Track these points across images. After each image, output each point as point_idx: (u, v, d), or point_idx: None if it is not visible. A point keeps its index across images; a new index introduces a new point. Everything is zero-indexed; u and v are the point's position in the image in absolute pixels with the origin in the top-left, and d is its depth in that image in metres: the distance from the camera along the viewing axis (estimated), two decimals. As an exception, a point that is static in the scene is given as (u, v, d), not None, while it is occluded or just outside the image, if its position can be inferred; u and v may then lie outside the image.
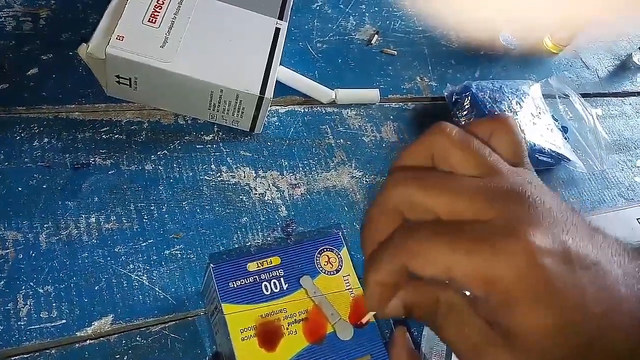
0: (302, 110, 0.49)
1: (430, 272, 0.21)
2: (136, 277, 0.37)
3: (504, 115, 0.26)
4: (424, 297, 0.24)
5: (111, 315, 0.35)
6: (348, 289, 0.35)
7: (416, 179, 0.23)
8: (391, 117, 0.53)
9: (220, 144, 0.45)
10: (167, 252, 0.38)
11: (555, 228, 0.21)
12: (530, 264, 0.19)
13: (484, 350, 0.21)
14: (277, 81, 0.44)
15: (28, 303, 0.34)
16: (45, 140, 0.40)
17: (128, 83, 0.42)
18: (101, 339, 0.34)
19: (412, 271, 0.22)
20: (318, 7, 0.57)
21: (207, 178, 0.43)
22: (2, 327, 0.33)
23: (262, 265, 0.34)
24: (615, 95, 0.68)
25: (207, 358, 0.35)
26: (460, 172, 0.23)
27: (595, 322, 0.20)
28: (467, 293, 0.23)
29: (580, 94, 0.61)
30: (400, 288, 0.24)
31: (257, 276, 0.33)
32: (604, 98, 0.67)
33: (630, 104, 0.68)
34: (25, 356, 0.32)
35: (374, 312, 0.25)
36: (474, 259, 0.20)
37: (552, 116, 0.57)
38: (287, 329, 0.32)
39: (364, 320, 0.26)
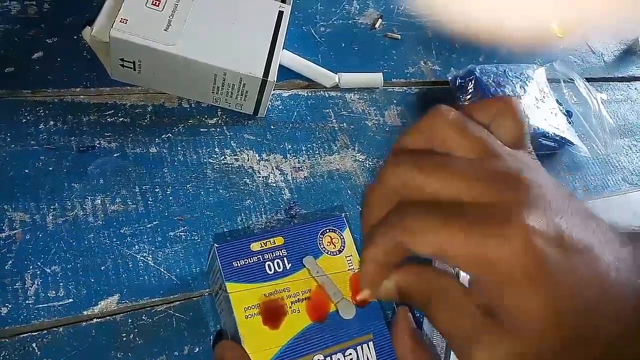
0: (306, 94, 0.49)
1: (425, 249, 0.21)
2: (141, 258, 0.37)
3: (506, 97, 0.26)
4: (418, 282, 0.24)
5: (117, 295, 0.36)
6: (350, 269, 0.35)
7: (414, 161, 0.23)
8: (394, 101, 0.53)
9: (224, 127, 0.45)
10: (171, 233, 0.39)
11: (551, 212, 0.21)
12: (525, 246, 0.20)
13: (478, 338, 0.21)
14: (280, 65, 0.44)
15: (36, 282, 0.35)
16: (51, 123, 0.40)
17: (132, 66, 0.42)
18: (107, 317, 0.35)
19: (406, 248, 0.22)
20: (322, -9, 0.57)
21: (211, 161, 0.43)
22: (11, 306, 0.33)
23: (266, 245, 0.34)
24: (621, 80, 0.67)
25: (211, 337, 0.36)
26: (458, 155, 0.23)
27: (586, 306, 0.20)
28: (463, 276, 0.23)
29: (586, 78, 0.61)
30: (395, 270, 0.24)
31: (260, 256, 0.34)
32: (610, 83, 0.66)
33: (635, 89, 0.67)
34: (33, 334, 0.33)
35: (369, 291, 0.25)
36: (469, 239, 0.20)
37: (557, 100, 0.57)
38: (290, 307, 0.32)
39: (358, 298, 0.26)
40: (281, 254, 0.34)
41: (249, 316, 0.31)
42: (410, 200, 0.23)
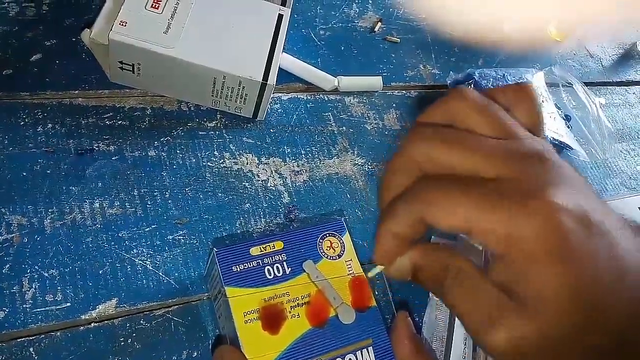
0: (305, 98, 0.49)
1: (449, 223, 0.21)
2: (140, 262, 0.37)
3: (525, 83, 0.26)
4: (433, 262, 0.23)
5: (115, 299, 0.35)
6: (350, 274, 0.35)
7: (438, 134, 0.23)
8: (394, 104, 0.53)
9: (223, 131, 0.45)
10: (170, 237, 0.39)
11: (574, 192, 0.21)
12: (551, 222, 0.20)
13: (498, 317, 0.21)
14: (280, 68, 0.44)
15: (33, 286, 0.34)
16: (49, 125, 0.40)
17: (131, 69, 0.42)
18: (105, 322, 0.35)
19: (428, 222, 0.22)
20: (321, -6, 0.57)
21: (210, 164, 0.43)
22: (8, 310, 0.33)
23: (265, 250, 0.34)
24: (619, 84, 0.68)
25: (209, 341, 0.36)
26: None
27: (604, 290, 0.20)
28: (479, 249, 0.22)
29: (584, 82, 0.61)
30: (411, 248, 0.24)
31: (260, 260, 0.33)
32: (608, 87, 0.67)
33: (634, 93, 0.67)
34: (30, 338, 0.33)
35: (382, 267, 0.25)
36: (495, 214, 0.20)
37: (555, 104, 0.57)
38: (290, 312, 0.32)
39: (370, 275, 0.26)
40: (280, 258, 0.34)
41: (249, 321, 0.31)
42: (434, 174, 0.23)
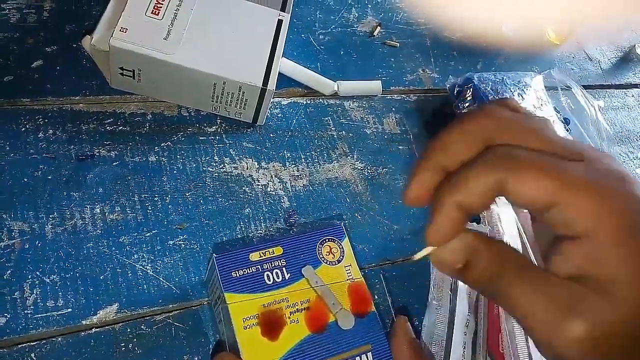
0: (305, 102, 0.50)
1: (533, 193, 0.20)
2: (140, 267, 0.37)
3: (506, 98, 0.25)
4: (491, 252, 0.21)
5: (116, 304, 0.36)
6: (349, 279, 0.35)
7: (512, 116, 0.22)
8: (393, 108, 0.53)
9: (223, 136, 0.45)
10: (171, 242, 0.39)
11: None
12: (636, 209, 0.19)
13: (575, 306, 0.19)
14: (279, 73, 0.44)
15: (34, 292, 0.35)
16: (50, 131, 0.40)
17: (132, 75, 0.42)
18: (106, 327, 0.35)
19: (508, 191, 0.20)
20: (320, -1, 0.58)
21: (210, 169, 0.43)
22: (9, 316, 0.33)
23: (265, 255, 0.34)
24: (618, 87, 0.68)
25: (210, 346, 0.36)
26: None
27: None
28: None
29: (583, 85, 0.61)
30: (466, 232, 0.22)
31: (259, 266, 0.34)
32: (607, 90, 0.67)
33: (632, 96, 0.68)
34: (32, 344, 0.33)
35: (433, 248, 0.22)
36: (587, 190, 0.19)
37: (554, 108, 0.57)
38: (289, 318, 0.32)
39: (416, 257, 0.23)
40: (280, 264, 0.34)
41: (248, 327, 0.31)
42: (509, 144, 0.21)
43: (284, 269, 0.34)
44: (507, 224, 0.46)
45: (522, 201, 0.20)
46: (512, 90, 0.54)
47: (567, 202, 0.20)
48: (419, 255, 0.23)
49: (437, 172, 0.22)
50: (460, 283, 0.41)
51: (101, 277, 0.36)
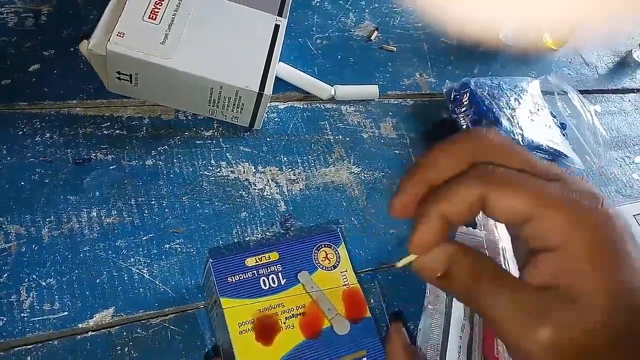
0: (302, 107, 0.50)
1: (511, 206, 0.21)
2: (137, 271, 0.37)
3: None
4: (470, 261, 0.23)
5: (112, 308, 0.36)
6: (345, 285, 0.35)
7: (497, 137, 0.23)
8: (390, 113, 0.53)
9: (220, 140, 0.45)
10: (167, 246, 0.39)
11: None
12: (613, 225, 0.21)
13: (545, 314, 0.20)
14: (276, 77, 0.45)
15: (31, 295, 0.35)
16: (47, 135, 0.41)
17: (129, 79, 0.42)
18: (103, 330, 0.35)
19: (489, 204, 0.22)
20: (318, 4, 0.58)
21: (206, 173, 0.43)
22: (5, 319, 0.33)
23: (261, 261, 0.34)
24: (615, 92, 0.68)
25: (206, 350, 0.36)
26: None
27: (636, 307, 0.21)
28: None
29: (580, 90, 0.62)
30: (448, 242, 0.23)
31: (255, 271, 0.34)
32: (603, 95, 0.67)
33: (629, 101, 0.68)
34: (28, 347, 0.33)
35: (415, 256, 0.24)
36: (562, 206, 0.21)
37: (551, 113, 0.57)
38: (285, 323, 0.33)
39: (399, 264, 0.24)
40: (276, 269, 0.34)
41: (243, 332, 0.32)
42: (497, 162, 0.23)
43: (279, 274, 0.34)
44: (504, 229, 0.46)
45: (501, 214, 0.22)
46: (509, 95, 0.54)
47: (542, 217, 0.21)
48: (401, 263, 0.25)
49: (422, 186, 0.23)
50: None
51: (97, 281, 0.36)
